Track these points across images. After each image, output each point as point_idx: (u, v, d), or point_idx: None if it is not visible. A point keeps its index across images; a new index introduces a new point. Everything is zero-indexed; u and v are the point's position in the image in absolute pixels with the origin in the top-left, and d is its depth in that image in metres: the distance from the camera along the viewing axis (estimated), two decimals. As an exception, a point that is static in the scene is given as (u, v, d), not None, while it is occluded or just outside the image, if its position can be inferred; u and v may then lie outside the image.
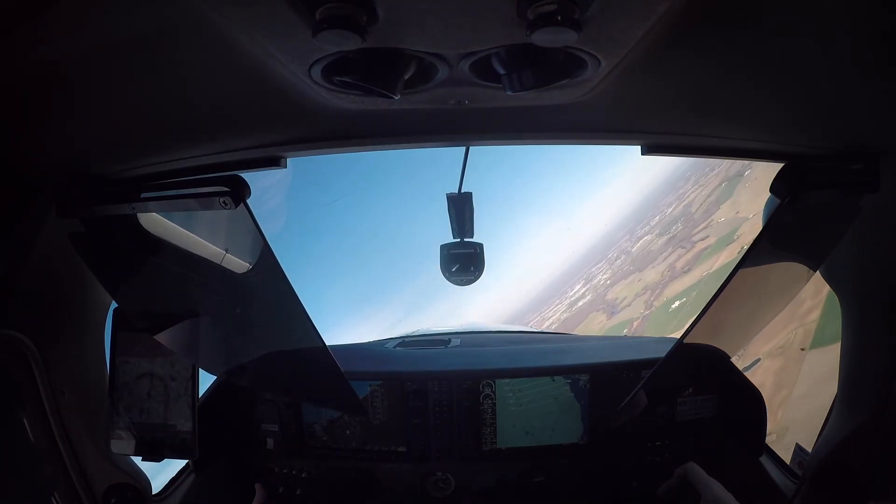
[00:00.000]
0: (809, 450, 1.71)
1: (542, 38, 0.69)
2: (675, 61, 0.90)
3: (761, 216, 1.46)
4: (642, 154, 1.28)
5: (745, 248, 1.26)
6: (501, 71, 0.86)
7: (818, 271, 1.47)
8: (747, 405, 2.05)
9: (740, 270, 1.31)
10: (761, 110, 1.09)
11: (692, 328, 1.47)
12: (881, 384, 1.39)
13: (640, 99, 1.05)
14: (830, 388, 1.59)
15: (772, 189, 1.29)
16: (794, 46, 0.84)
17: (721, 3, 0.74)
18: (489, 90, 0.94)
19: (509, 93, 0.88)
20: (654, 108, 1.11)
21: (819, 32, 0.80)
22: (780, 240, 1.34)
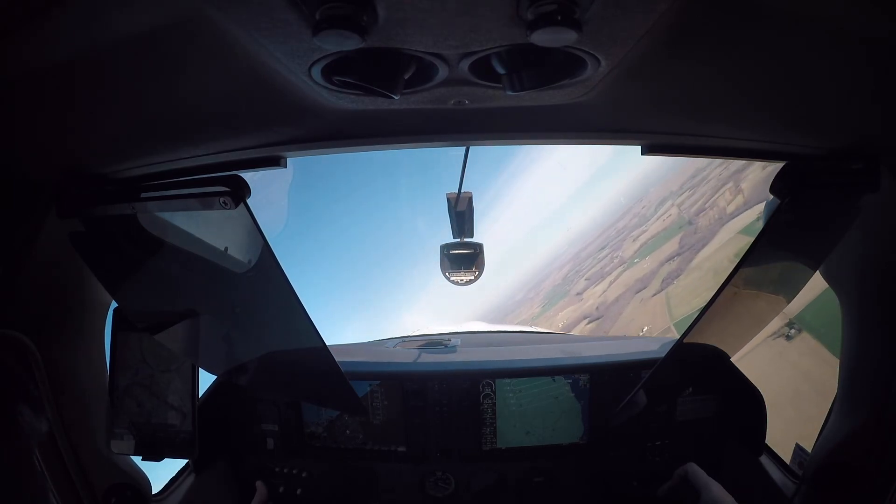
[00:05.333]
0: (809, 450, 1.71)
1: (542, 38, 0.68)
2: (676, 61, 0.89)
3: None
4: (642, 154, 1.27)
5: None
6: (501, 71, 0.86)
7: (818, 271, 1.47)
8: (747, 405, 2.05)
9: (740, 270, 1.31)
10: (761, 110, 1.09)
11: (692, 328, 1.47)
12: (881, 384, 1.39)
13: (640, 99, 1.05)
14: None
15: (772, 189, 1.29)
16: (795, 46, 0.84)
17: (721, 2, 0.74)
18: (489, 90, 0.94)
19: (509, 93, 0.88)
20: (654, 108, 1.10)
21: (819, 33, 0.80)
22: (780, 240, 1.34)
